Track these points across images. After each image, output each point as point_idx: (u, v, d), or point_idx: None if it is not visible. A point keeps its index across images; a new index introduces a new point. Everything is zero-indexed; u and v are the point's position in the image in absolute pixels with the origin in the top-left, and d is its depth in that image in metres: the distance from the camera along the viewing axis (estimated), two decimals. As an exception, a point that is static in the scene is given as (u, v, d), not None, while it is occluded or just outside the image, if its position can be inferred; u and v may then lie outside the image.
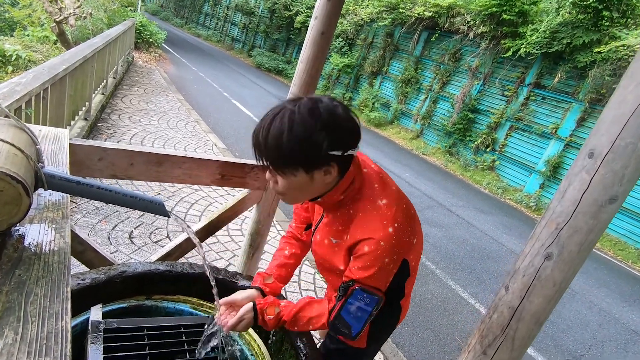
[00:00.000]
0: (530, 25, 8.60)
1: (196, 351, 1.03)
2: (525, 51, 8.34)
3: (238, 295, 1.09)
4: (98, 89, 5.30)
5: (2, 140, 0.55)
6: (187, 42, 19.37)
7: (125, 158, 1.38)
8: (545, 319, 0.71)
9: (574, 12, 7.64)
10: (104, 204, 3.08)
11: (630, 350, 3.67)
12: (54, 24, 7.00)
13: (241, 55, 19.92)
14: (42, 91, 2.61)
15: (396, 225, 0.92)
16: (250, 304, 1.04)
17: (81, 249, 1.48)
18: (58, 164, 0.82)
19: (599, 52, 7.32)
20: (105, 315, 1.04)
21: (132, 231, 2.94)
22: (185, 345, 1.04)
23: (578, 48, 7.68)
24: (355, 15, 13.40)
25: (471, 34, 9.60)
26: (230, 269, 2.75)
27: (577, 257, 0.66)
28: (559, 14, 7.94)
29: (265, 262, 3.09)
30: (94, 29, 8.83)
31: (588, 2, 7.22)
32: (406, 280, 1.09)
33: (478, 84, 9.74)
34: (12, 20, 8.41)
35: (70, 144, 1.04)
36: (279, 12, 17.81)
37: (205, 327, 1.06)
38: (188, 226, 0.95)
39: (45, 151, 0.85)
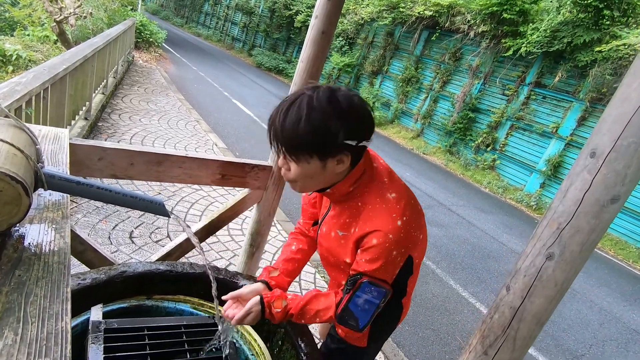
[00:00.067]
0: (530, 24, 8.58)
1: (206, 346, 1.03)
2: (526, 50, 8.33)
3: (244, 289, 1.09)
4: (98, 88, 5.30)
5: (2, 140, 0.55)
6: (187, 41, 19.37)
7: (125, 158, 1.38)
8: (547, 319, 0.71)
9: (575, 11, 7.63)
10: (105, 204, 3.08)
11: (631, 349, 3.67)
12: (54, 24, 7.00)
13: (241, 55, 19.91)
14: (42, 91, 2.61)
15: (404, 219, 0.92)
16: (258, 297, 1.04)
17: (81, 249, 1.48)
18: (58, 163, 0.82)
19: (600, 51, 7.31)
20: (106, 315, 1.04)
21: (132, 231, 2.94)
22: (186, 346, 1.04)
23: (579, 47, 7.67)
24: (356, 14, 13.39)
25: (472, 33, 9.59)
26: (231, 268, 2.75)
27: (578, 257, 0.66)
28: (559, 13, 7.93)
29: (266, 262, 3.09)
30: (94, 29, 8.82)
31: (589, 1, 7.21)
32: (409, 278, 1.09)
33: (478, 83, 9.73)
34: (13, 20, 8.41)
35: (70, 143, 1.03)
36: (279, 12, 17.81)
37: (218, 323, 1.05)
38: (188, 226, 0.94)
39: (45, 151, 0.85)
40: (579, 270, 0.67)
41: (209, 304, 1.25)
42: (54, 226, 0.62)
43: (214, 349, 1.05)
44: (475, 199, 7.32)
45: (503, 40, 8.99)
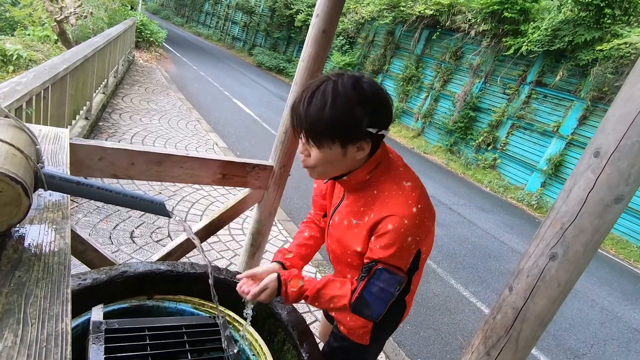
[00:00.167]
0: (531, 23, 8.57)
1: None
2: (527, 49, 8.32)
3: (259, 268, 1.09)
4: (99, 88, 5.29)
5: (2, 141, 0.55)
6: (187, 41, 19.36)
7: (125, 158, 1.38)
8: (550, 319, 0.70)
9: (576, 9, 7.61)
10: (105, 204, 3.08)
11: (633, 349, 3.66)
12: (55, 24, 7.00)
13: (242, 54, 19.90)
14: (42, 90, 2.60)
15: (419, 206, 0.93)
16: (275, 274, 1.04)
17: (82, 249, 1.48)
18: (58, 163, 0.82)
19: (601, 50, 7.29)
20: (107, 315, 1.04)
21: (133, 230, 2.93)
22: (187, 346, 1.04)
23: (580, 46, 7.65)
24: (356, 13, 13.38)
25: (472, 32, 9.57)
26: (232, 268, 2.75)
27: (582, 257, 0.65)
28: (560, 12, 7.91)
29: (266, 262, 3.09)
30: (94, 28, 8.82)
31: (590, 0, 7.19)
32: (413, 275, 1.09)
33: (479, 82, 9.71)
34: (13, 19, 8.41)
35: (70, 143, 1.03)
36: (279, 11, 17.80)
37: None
38: (189, 227, 0.94)
39: (45, 151, 0.85)
40: (582, 270, 0.67)
41: (210, 304, 1.25)
42: (54, 227, 0.62)
43: (215, 349, 1.04)
44: (476, 198, 7.32)
45: (504, 39, 8.97)
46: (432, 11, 10.42)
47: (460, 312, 3.36)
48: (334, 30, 1.60)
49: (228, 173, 1.64)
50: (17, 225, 0.58)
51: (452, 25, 10.14)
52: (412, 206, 0.92)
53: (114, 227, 2.90)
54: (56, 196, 0.70)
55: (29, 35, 7.66)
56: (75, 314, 1.01)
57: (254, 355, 1.14)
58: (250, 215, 2.48)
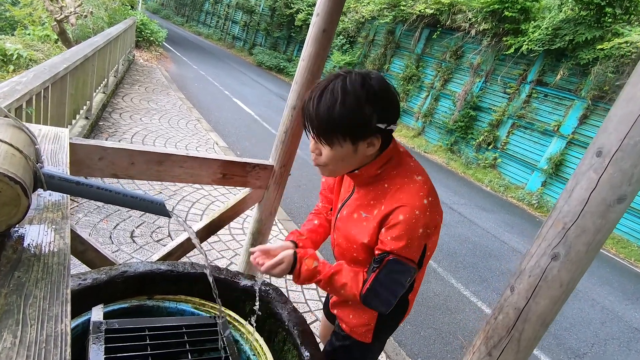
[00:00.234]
0: (532, 22, 8.55)
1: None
2: (528, 48, 8.30)
3: (273, 244, 1.09)
4: (99, 87, 5.29)
5: (0, 140, 0.55)
6: (188, 40, 19.35)
7: (125, 157, 1.37)
8: (552, 320, 0.70)
9: (577, 8, 7.60)
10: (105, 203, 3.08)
11: (633, 348, 3.66)
12: (55, 23, 7.00)
13: (242, 54, 19.89)
14: (43, 90, 2.60)
15: (430, 199, 0.94)
16: (292, 251, 1.04)
17: (82, 249, 1.47)
18: (58, 163, 0.81)
19: (602, 49, 7.28)
20: (107, 315, 1.04)
21: (133, 230, 2.93)
22: (187, 346, 1.03)
23: (580, 45, 7.64)
24: (357, 12, 13.36)
25: (473, 31, 9.56)
26: (232, 268, 2.75)
27: (584, 257, 0.65)
28: (561, 11, 7.90)
29: (266, 261, 3.09)
30: (94, 28, 8.82)
31: (591, -1, 7.18)
32: (417, 273, 1.09)
33: (480, 81, 9.70)
34: (13, 19, 8.41)
35: (70, 143, 1.03)
36: (279, 10, 17.78)
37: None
38: (189, 227, 0.94)
39: (45, 151, 0.85)
40: (584, 270, 0.66)
41: (211, 304, 1.24)
42: (53, 227, 0.62)
43: (215, 349, 1.04)
44: (476, 197, 7.31)
45: (504, 38, 8.96)
46: (433, 10, 10.41)
47: (460, 312, 3.36)
48: (334, 30, 1.60)
49: (228, 173, 1.64)
50: (17, 226, 0.58)
51: (452, 25, 10.12)
52: (423, 198, 0.93)
53: (115, 227, 2.90)
54: (56, 196, 0.70)
55: (29, 34, 7.66)
56: (75, 314, 1.01)
57: (254, 355, 1.14)
58: (250, 215, 2.47)
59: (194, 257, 2.70)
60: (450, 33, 10.32)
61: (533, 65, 8.68)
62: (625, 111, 0.61)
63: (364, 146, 0.92)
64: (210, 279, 0.98)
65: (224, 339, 1.06)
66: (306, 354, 1.09)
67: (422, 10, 10.62)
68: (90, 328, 0.96)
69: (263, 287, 1.26)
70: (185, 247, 1.75)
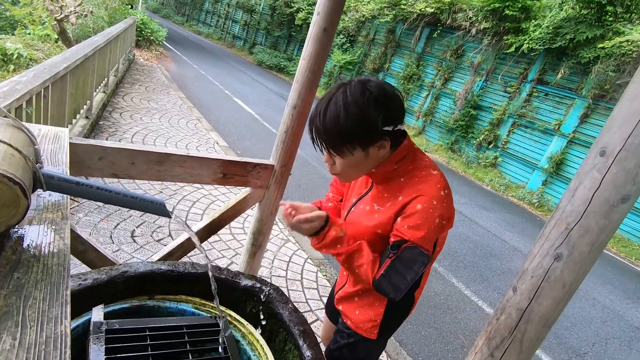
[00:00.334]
0: (533, 20, 8.54)
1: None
2: (528, 47, 8.29)
3: (302, 204, 1.09)
4: (99, 87, 5.29)
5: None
6: (188, 39, 19.34)
7: (126, 157, 1.37)
8: (554, 320, 0.70)
9: (578, 7, 7.58)
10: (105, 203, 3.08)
11: (634, 347, 3.65)
12: (55, 22, 6.99)
13: (242, 53, 19.88)
14: (43, 90, 2.60)
15: (447, 192, 0.98)
16: (325, 213, 1.04)
17: (82, 249, 1.47)
18: (58, 163, 0.81)
19: (603, 48, 7.26)
20: (107, 315, 1.04)
21: (134, 230, 2.93)
22: (188, 346, 1.03)
23: (581, 44, 7.62)
24: (357, 11, 13.35)
25: (473, 30, 9.54)
26: (233, 267, 2.75)
27: (587, 257, 0.64)
28: (562, 10, 7.88)
29: (267, 261, 3.08)
30: (94, 27, 8.82)
31: (592, -3, 7.17)
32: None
33: (480, 80, 9.69)
34: (13, 19, 8.40)
35: (70, 143, 1.02)
36: (280, 9, 17.76)
37: (220, 323, 1.05)
38: (189, 227, 0.93)
39: (45, 151, 0.84)
40: (587, 271, 0.66)
41: (211, 304, 1.24)
42: (53, 227, 0.62)
43: (216, 349, 1.04)
44: (477, 196, 7.30)
45: (505, 37, 8.94)
46: (433, 9, 10.39)
47: (461, 311, 3.35)
48: (334, 29, 1.59)
49: (229, 172, 1.63)
50: (16, 226, 0.57)
51: (453, 24, 10.11)
52: (441, 189, 0.96)
53: (115, 227, 2.90)
54: (55, 196, 0.69)
55: (29, 34, 7.65)
56: (75, 314, 1.00)
57: (255, 355, 1.14)
58: (251, 215, 2.47)
59: (194, 256, 2.70)
60: (450, 32, 10.31)
61: (534, 64, 8.67)
62: (629, 110, 0.60)
63: (375, 150, 0.95)
64: (210, 274, 0.98)
65: (225, 339, 1.06)
66: (307, 354, 1.09)
67: (423, 9, 10.61)
68: (91, 328, 0.96)
69: (264, 287, 1.26)
70: (186, 246, 1.74)
